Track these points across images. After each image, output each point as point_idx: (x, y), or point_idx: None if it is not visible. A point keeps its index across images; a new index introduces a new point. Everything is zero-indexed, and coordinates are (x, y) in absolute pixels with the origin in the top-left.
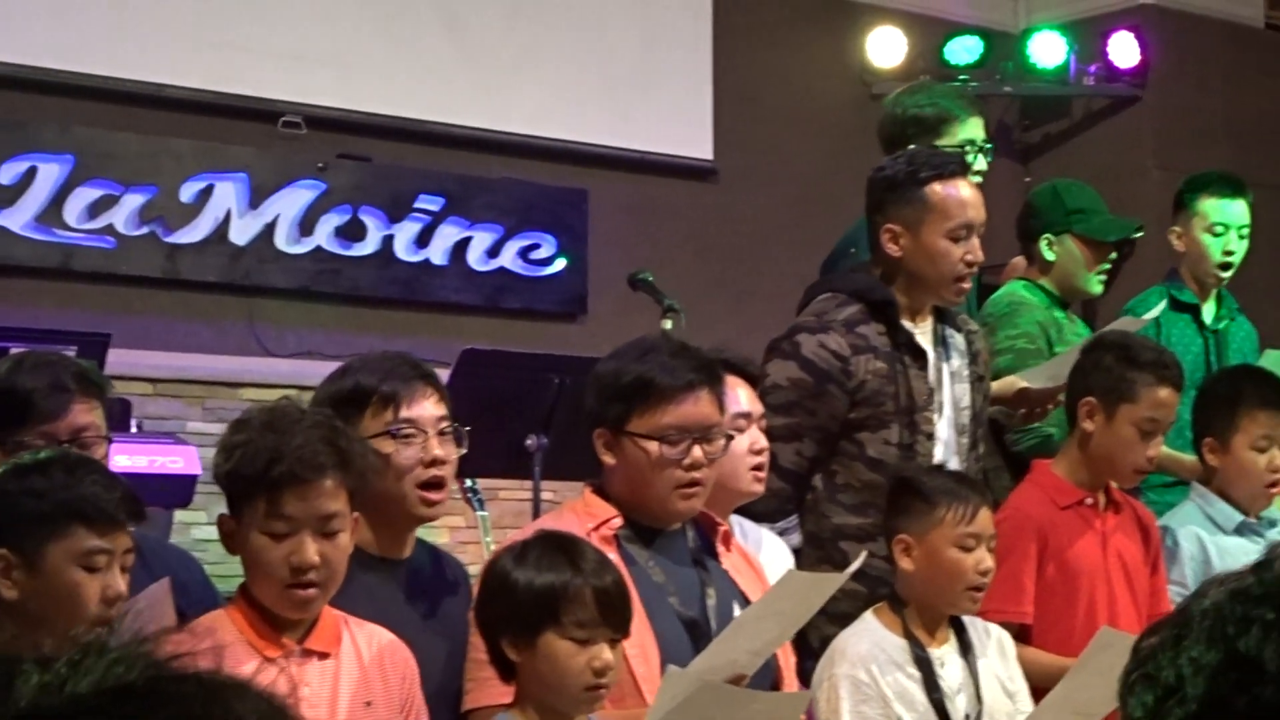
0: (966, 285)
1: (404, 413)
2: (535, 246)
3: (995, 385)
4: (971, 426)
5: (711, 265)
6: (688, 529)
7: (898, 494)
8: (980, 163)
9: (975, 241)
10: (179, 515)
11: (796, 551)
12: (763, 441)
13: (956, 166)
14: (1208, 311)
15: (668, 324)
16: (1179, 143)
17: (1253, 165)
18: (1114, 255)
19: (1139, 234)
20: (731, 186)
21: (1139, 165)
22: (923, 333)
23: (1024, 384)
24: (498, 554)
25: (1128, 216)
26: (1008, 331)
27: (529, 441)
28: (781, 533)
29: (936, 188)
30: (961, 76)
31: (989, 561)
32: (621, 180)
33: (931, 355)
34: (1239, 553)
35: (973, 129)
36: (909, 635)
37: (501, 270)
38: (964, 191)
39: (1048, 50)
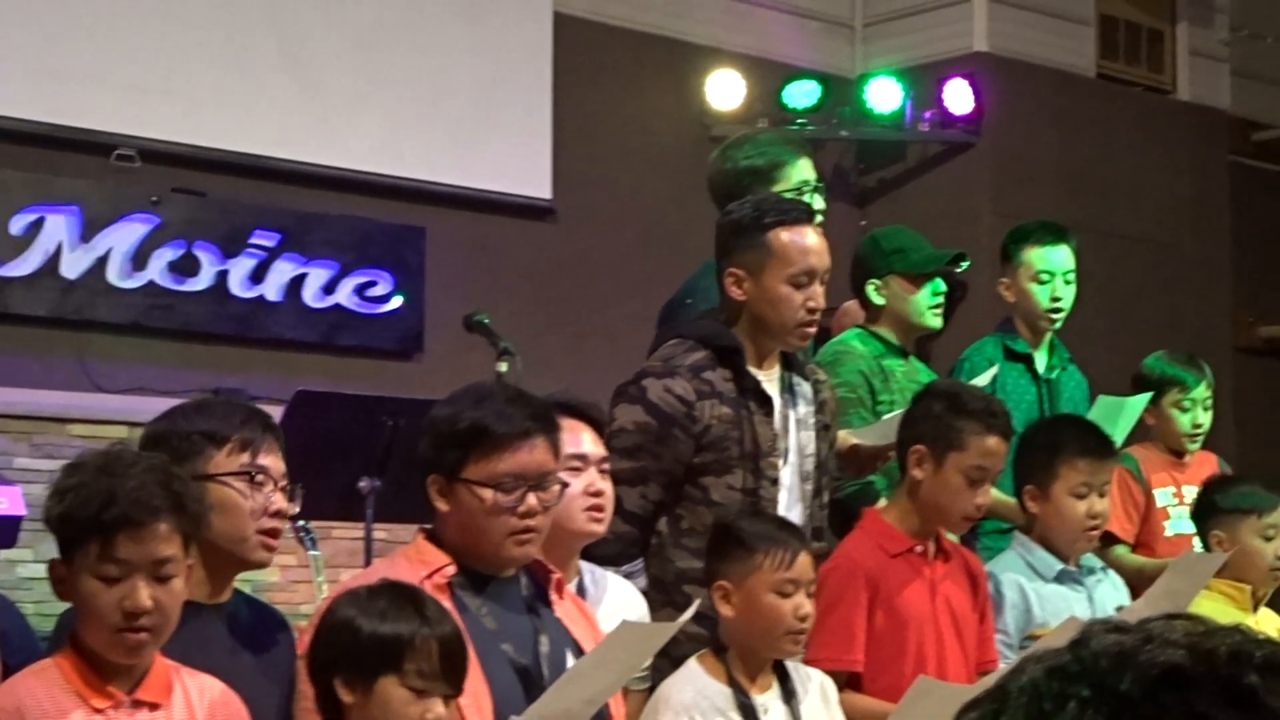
0: (810, 331)
1: (259, 459)
2: (372, 284)
3: None
4: (816, 474)
5: (549, 305)
6: (521, 576)
7: (718, 540)
8: (818, 201)
9: (818, 288)
10: (3, 554)
11: (643, 595)
12: (599, 484)
13: (801, 214)
14: (1040, 361)
15: (503, 366)
16: (1013, 188)
17: (1084, 210)
18: (942, 287)
19: (964, 264)
20: (570, 226)
21: (974, 210)
22: (769, 379)
23: (856, 440)
24: (338, 597)
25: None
26: (830, 380)
27: (362, 484)
28: (626, 576)
29: (780, 234)
30: (799, 120)
31: (808, 607)
32: (459, 218)
33: (778, 402)
34: (1058, 601)
35: (804, 170)
36: (732, 682)
37: (337, 307)
38: (808, 238)
39: (884, 96)
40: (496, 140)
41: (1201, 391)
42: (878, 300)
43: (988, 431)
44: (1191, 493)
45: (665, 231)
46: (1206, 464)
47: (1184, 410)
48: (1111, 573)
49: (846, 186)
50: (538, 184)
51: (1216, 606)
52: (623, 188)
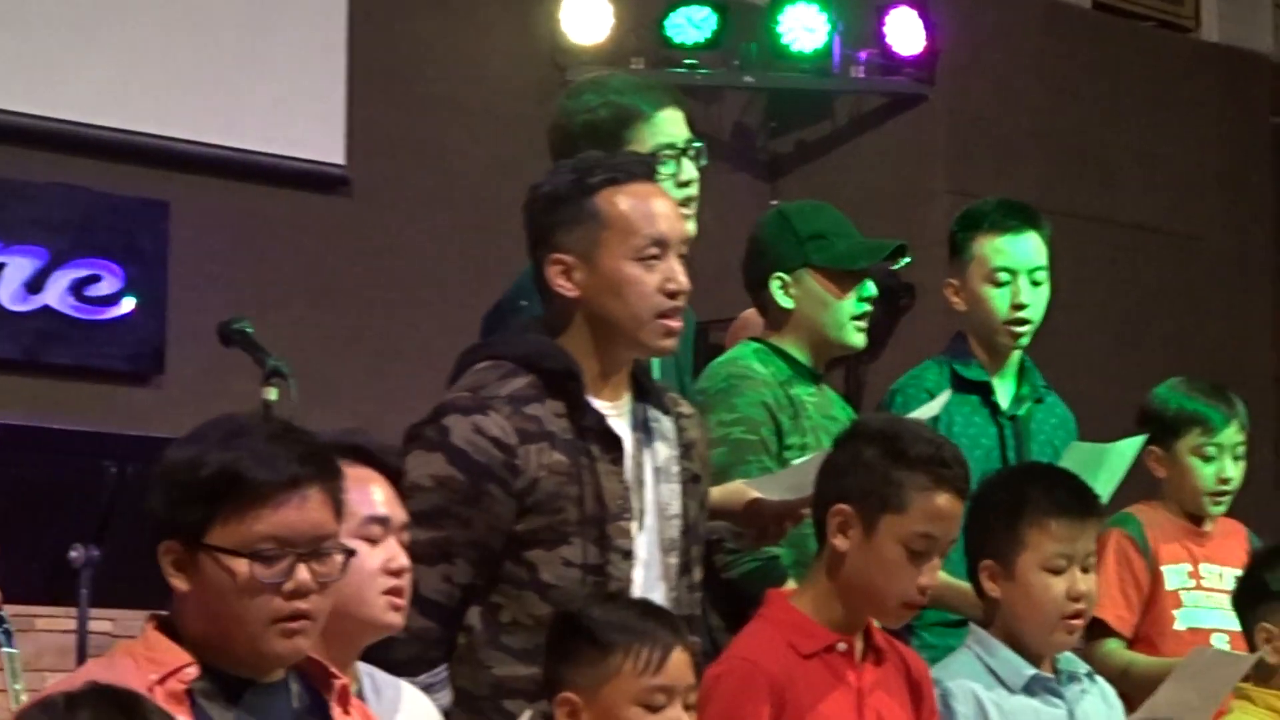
0: (675, 324)
1: None
2: (94, 279)
3: (716, 493)
4: (683, 543)
5: (340, 311)
6: (291, 682)
7: (560, 636)
8: (687, 169)
9: (675, 264)
10: None
11: (446, 715)
12: (403, 559)
13: (638, 167)
14: (1003, 391)
15: (271, 393)
16: (977, 157)
17: (1075, 189)
18: (873, 291)
19: (905, 260)
20: (370, 204)
21: (923, 186)
22: (617, 414)
23: (756, 494)
24: (25, 711)
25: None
26: (722, 416)
27: (74, 553)
28: (424, 690)
29: (612, 197)
30: (688, 61)
31: None
32: (216, 191)
33: (629, 445)
34: (1028, 717)
35: (669, 127)
36: None
37: (46, 311)
38: (652, 198)
39: (804, 29)
40: (269, 87)
41: (1231, 434)
42: (784, 302)
43: (937, 486)
44: (1213, 573)
45: (503, 209)
46: (1234, 536)
47: (1207, 460)
48: (1100, 681)
49: (752, 152)
50: (326, 146)
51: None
52: (444, 152)
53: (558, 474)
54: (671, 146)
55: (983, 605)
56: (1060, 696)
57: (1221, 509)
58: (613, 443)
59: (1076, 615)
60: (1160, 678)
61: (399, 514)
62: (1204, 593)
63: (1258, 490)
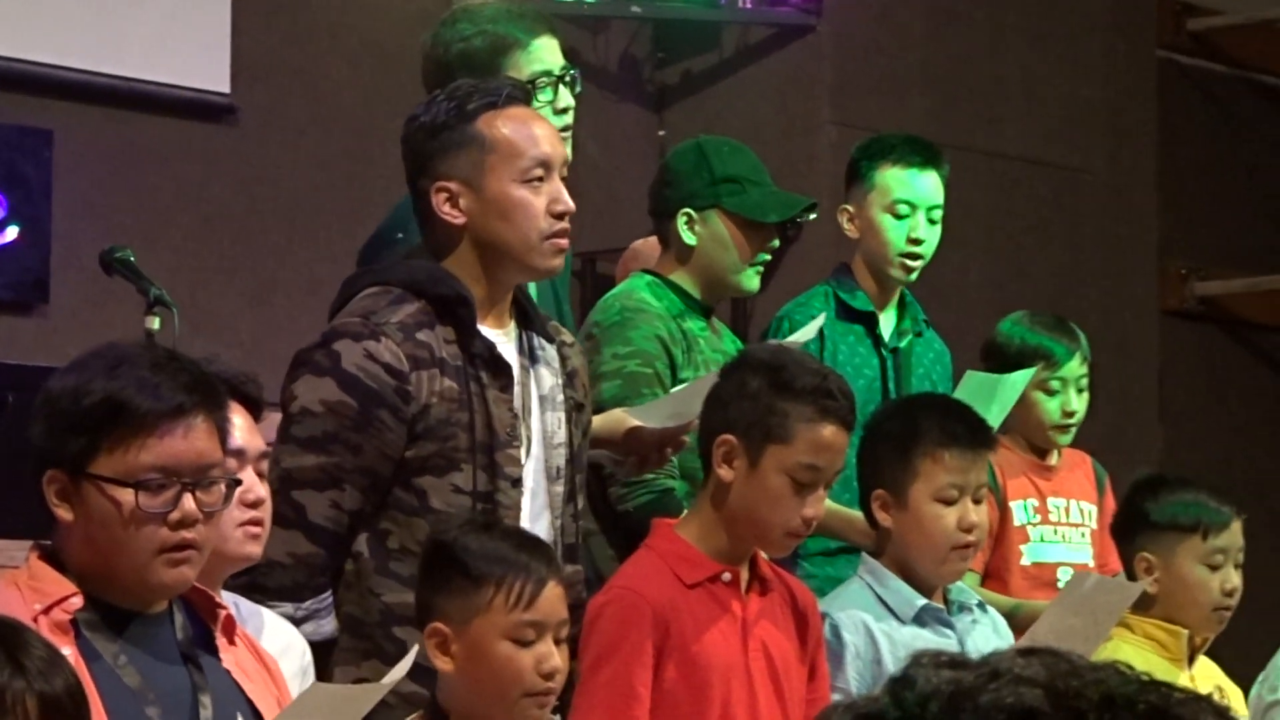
0: (563, 244)
1: None
2: None
3: (598, 421)
4: (568, 471)
5: (223, 239)
6: (176, 612)
7: (433, 566)
8: (564, 97)
9: (560, 185)
10: None
11: (331, 642)
12: (259, 489)
13: (515, 90)
14: (886, 323)
15: (154, 322)
16: (864, 91)
17: (961, 122)
18: (775, 242)
19: (810, 215)
20: (256, 132)
21: (810, 120)
22: (505, 341)
23: (636, 422)
24: None
25: (795, 190)
26: (616, 349)
27: None
28: (308, 616)
29: (494, 120)
30: None
31: (556, 659)
32: (99, 119)
33: (516, 372)
34: (919, 648)
35: (545, 54)
36: None
37: None
38: (532, 121)
39: None
40: (154, 14)
41: (1075, 367)
42: (688, 238)
43: (822, 417)
44: (1059, 507)
45: (385, 141)
46: (1080, 468)
47: (1052, 393)
48: (993, 612)
49: (639, 83)
50: (211, 73)
51: (1140, 655)
52: (329, 81)
53: (448, 401)
54: (548, 74)
55: (872, 534)
56: (951, 627)
57: (1067, 440)
58: (502, 370)
59: (967, 546)
60: (1010, 614)
61: (255, 444)
62: (1050, 527)
63: (1141, 422)
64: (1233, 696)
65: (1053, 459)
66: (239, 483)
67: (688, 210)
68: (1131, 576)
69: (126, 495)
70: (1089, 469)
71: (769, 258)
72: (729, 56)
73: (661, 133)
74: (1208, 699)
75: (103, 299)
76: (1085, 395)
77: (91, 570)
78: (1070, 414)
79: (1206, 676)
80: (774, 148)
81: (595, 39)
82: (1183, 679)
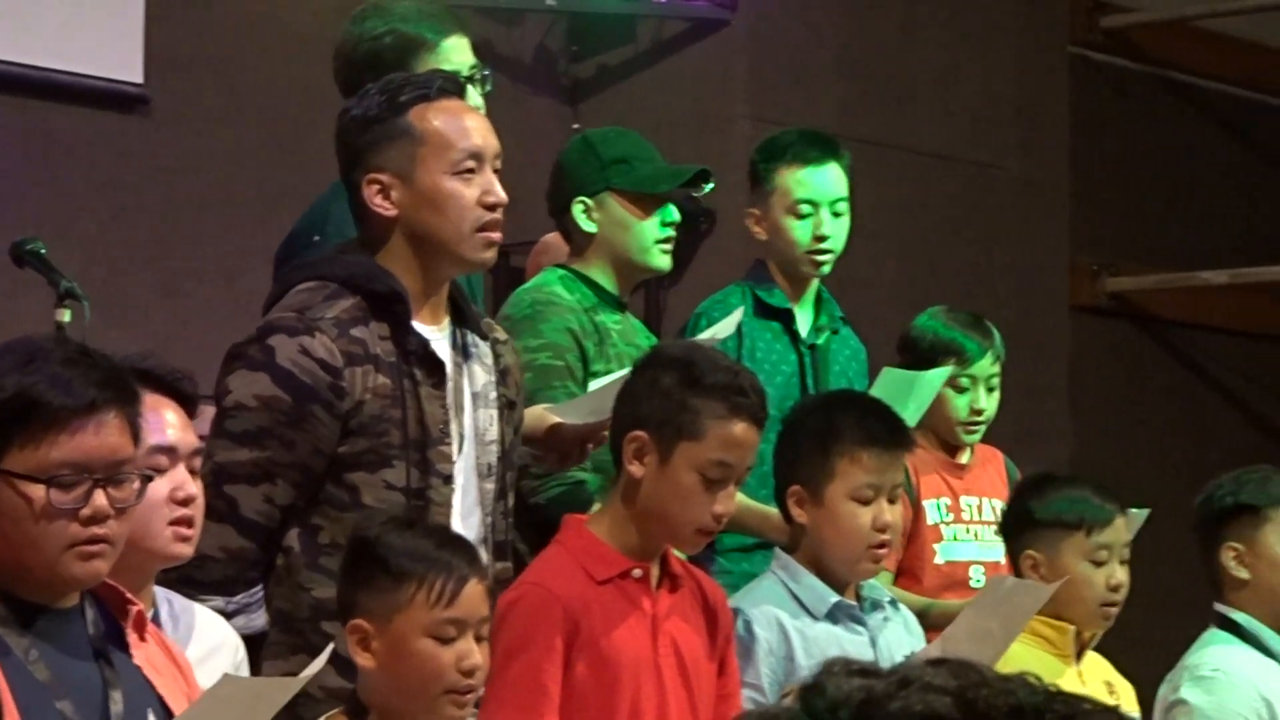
0: (495, 236)
1: None
2: None
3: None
4: (499, 468)
5: (137, 231)
6: (87, 607)
7: (355, 562)
8: (473, 96)
9: (492, 177)
10: None
11: (261, 636)
12: (190, 487)
13: (447, 83)
14: (803, 319)
15: (65, 315)
16: (779, 85)
17: (875, 117)
18: (676, 216)
19: (708, 186)
20: (170, 123)
21: (725, 113)
22: (438, 338)
23: (557, 419)
24: None
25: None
26: (528, 342)
27: None
28: (239, 610)
29: (425, 113)
30: None
31: (476, 656)
32: (9, 109)
33: (449, 369)
34: (830, 645)
35: (455, 54)
36: None
37: None
38: (463, 113)
39: None
40: (66, 3)
41: (986, 365)
42: (587, 226)
43: (733, 414)
44: (971, 505)
45: (300, 131)
46: (992, 465)
47: (961, 390)
48: (905, 611)
49: (553, 77)
50: (124, 63)
51: (1029, 652)
52: (243, 71)
53: (382, 397)
54: (456, 73)
55: (786, 530)
56: (863, 624)
57: (975, 438)
58: (435, 366)
59: (881, 545)
60: (923, 613)
61: (188, 441)
62: (962, 525)
63: (1051, 418)
64: (1123, 693)
65: (964, 457)
66: (151, 478)
67: (583, 199)
68: (1019, 575)
69: (38, 491)
70: (1001, 466)
71: (672, 232)
72: (644, 50)
73: (576, 126)
74: (1115, 710)
75: (14, 291)
76: (995, 394)
77: (2, 565)
78: (979, 412)
79: (1095, 673)
80: (688, 142)
81: (510, 32)
82: (1070, 674)
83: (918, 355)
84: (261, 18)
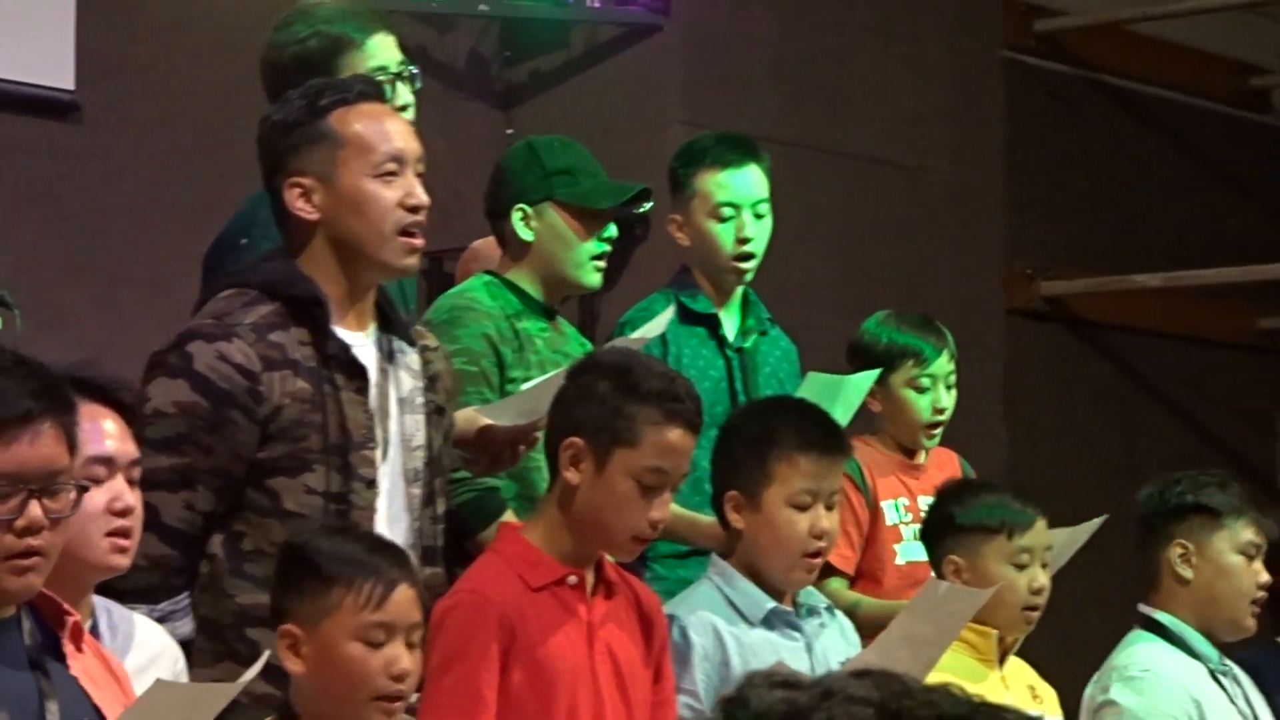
0: (417, 242)
1: None
2: None
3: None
4: (427, 474)
5: (68, 238)
6: (24, 618)
7: (287, 567)
8: (402, 94)
9: (413, 180)
10: None
11: (187, 644)
12: (128, 498)
13: (368, 87)
14: (730, 323)
15: None
16: (713, 90)
17: (809, 122)
18: (613, 232)
19: (647, 205)
20: (101, 129)
21: (659, 118)
22: (363, 343)
23: (487, 421)
24: None
25: (638, 182)
26: (444, 346)
27: None
28: (164, 618)
29: (346, 117)
30: None
31: (406, 662)
32: None
33: (374, 374)
34: (766, 651)
35: (381, 52)
36: None
37: None
38: (384, 117)
39: None
40: None
41: (943, 364)
42: (524, 234)
43: (669, 421)
44: (929, 506)
45: (232, 136)
46: (948, 465)
47: (922, 391)
48: (841, 617)
49: (487, 82)
50: (54, 68)
51: (952, 657)
52: (175, 77)
53: (301, 401)
54: (384, 70)
55: (719, 537)
56: (799, 630)
57: (936, 440)
58: (356, 371)
59: (818, 553)
60: (884, 615)
61: (127, 451)
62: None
63: (986, 422)
64: (1046, 697)
65: (921, 457)
66: (86, 489)
67: (522, 206)
68: (941, 579)
69: None
70: (956, 466)
71: (608, 249)
72: (577, 55)
73: (510, 131)
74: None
75: None
76: (954, 392)
77: None
78: (941, 411)
79: (1018, 677)
80: (623, 147)
81: (443, 38)
82: (993, 678)
83: (872, 359)
84: (191, 23)
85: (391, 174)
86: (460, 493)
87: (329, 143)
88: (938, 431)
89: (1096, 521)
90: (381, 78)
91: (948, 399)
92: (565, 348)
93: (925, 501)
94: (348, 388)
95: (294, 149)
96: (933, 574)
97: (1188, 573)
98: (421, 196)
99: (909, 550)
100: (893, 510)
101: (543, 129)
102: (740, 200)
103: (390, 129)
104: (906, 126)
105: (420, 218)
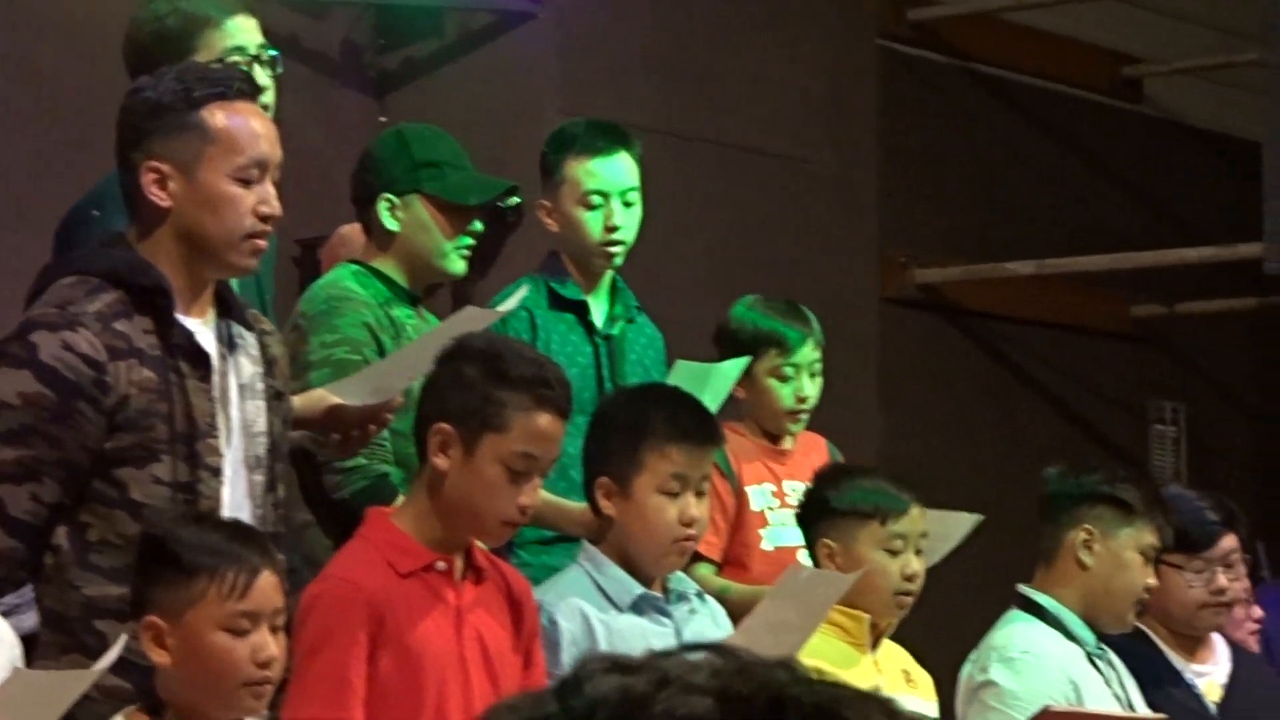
0: (262, 245)
1: None
2: None
3: (298, 401)
4: (268, 460)
5: None
6: None
7: (147, 558)
8: (260, 76)
9: (271, 188)
10: None
11: (31, 637)
12: None
13: (244, 85)
14: (598, 310)
15: None
16: (588, 78)
17: (684, 110)
18: (478, 226)
19: (515, 200)
20: None
21: (534, 106)
22: (203, 330)
23: (336, 400)
24: None
25: (519, 178)
26: (324, 337)
27: None
28: (8, 611)
29: (218, 113)
30: None
31: (272, 648)
32: None
33: (216, 362)
34: (635, 637)
35: (241, 33)
36: None
37: None
38: (256, 119)
39: None
40: None
41: (808, 353)
42: (389, 224)
43: (538, 406)
44: (796, 490)
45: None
46: (814, 451)
47: (785, 380)
48: (712, 603)
49: (360, 69)
50: None
51: (824, 641)
52: (42, 68)
53: (147, 391)
54: (242, 51)
55: (586, 524)
56: (668, 616)
57: (800, 427)
58: (201, 360)
59: (688, 539)
60: (752, 601)
61: None
62: (788, 511)
63: (860, 411)
64: (920, 681)
65: (787, 443)
66: None
67: (389, 196)
68: (816, 564)
69: None
70: (824, 452)
71: (473, 241)
72: (451, 43)
73: (383, 119)
74: (878, 698)
75: None
76: (818, 380)
77: None
78: (803, 399)
79: (891, 661)
80: (498, 135)
81: (316, 25)
82: (865, 663)
83: (738, 346)
84: (60, 12)
85: (252, 179)
86: (354, 481)
87: (196, 135)
88: (801, 419)
89: (972, 518)
90: (238, 58)
91: (811, 388)
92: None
93: (791, 487)
94: (192, 376)
95: (159, 132)
96: (797, 559)
97: (1088, 559)
98: (276, 207)
99: (775, 536)
100: (759, 496)
101: (416, 117)
102: (609, 188)
103: (260, 133)
104: (782, 115)
105: (270, 227)
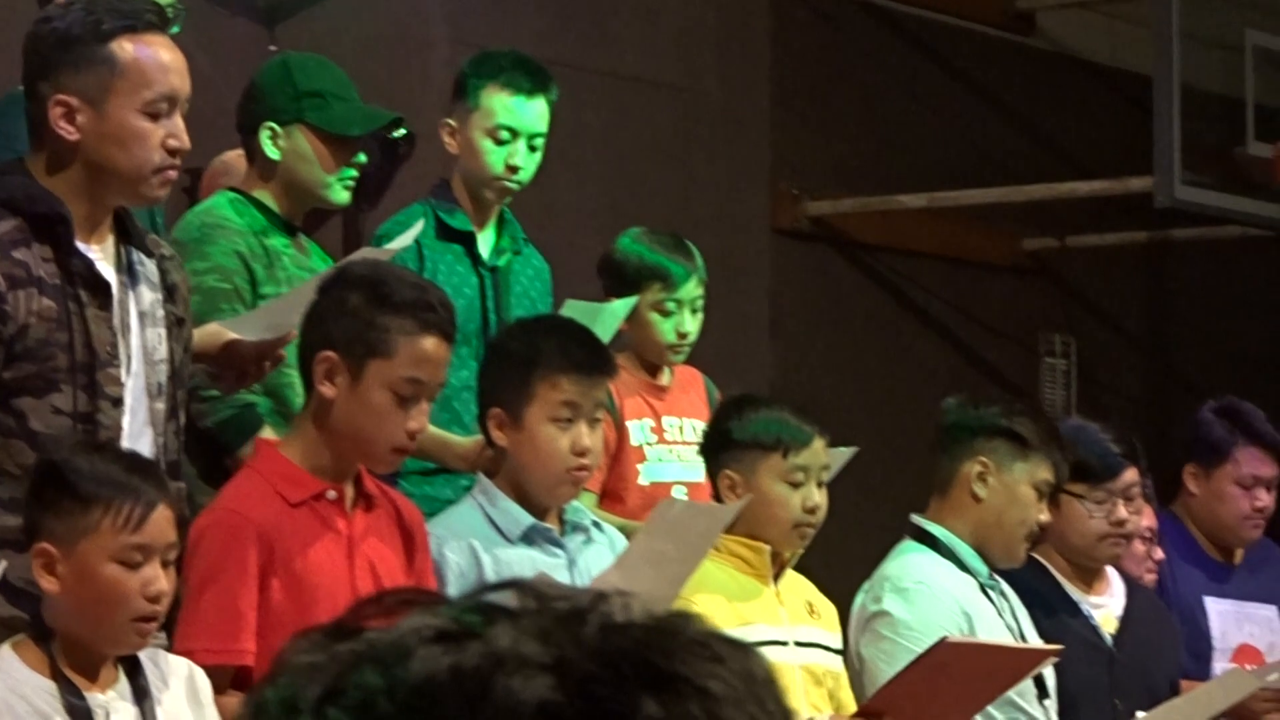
0: (172, 175)
1: None
2: None
3: (195, 336)
4: (170, 387)
5: None
6: None
7: (41, 486)
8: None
9: (179, 121)
10: None
11: None
12: None
13: (155, 17)
14: (485, 242)
15: None
16: (478, 8)
17: (575, 41)
18: (362, 157)
19: (403, 131)
20: None
21: (424, 36)
22: (103, 258)
23: (233, 335)
24: None
25: (407, 107)
26: (196, 264)
27: None
28: None
29: (127, 45)
30: None
31: (163, 582)
32: None
33: (116, 289)
34: (525, 567)
35: None
36: (58, 676)
37: None
38: (166, 52)
39: None
40: None
41: (691, 289)
42: (271, 153)
43: (423, 330)
44: (674, 426)
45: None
46: (693, 387)
47: (667, 314)
48: (612, 532)
49: None
50: None
51: (724, 572)
52: None
53: (47, 320)
54: None
55: (468, 457)
56: (561, 547)
57: (680, 359)
58: (101, 288)
59: (581, 469)
60: (629, 535)
61: None
62: (666, 446)
63: (752, 342)
64: (824, 611)
65: (665, 378)
66: None
67: (271, 125)
68: (718, 495)
69: None
70: (701, 388)
71: (356, 173)
72: None
73: (273, 48)
74: (706, 639)
75: None
76: (699, 316)
77: None
78: (684, 335)
79: (794, 591)
80: (387, 64)
81: None
82: (768, 594)
83: (622, 280)
84: None
85: (161, 113)
86: (219, 411)
87: (106, 68)
88: (681, 353)
89: (848, 451)
90: None
91: (692, 323)
92: (310, 264)
93: (669, 423)
94: (92, 304)
95: (68, 64)
96: (671, 494)
97: (982, 491)
98: (185, 140)
99: (652, 471)
100: (638, 431)
101: (307, 46)
102: (520, 128)
103: (170, 66)
104: (673, 47)
105: (179, 160)
